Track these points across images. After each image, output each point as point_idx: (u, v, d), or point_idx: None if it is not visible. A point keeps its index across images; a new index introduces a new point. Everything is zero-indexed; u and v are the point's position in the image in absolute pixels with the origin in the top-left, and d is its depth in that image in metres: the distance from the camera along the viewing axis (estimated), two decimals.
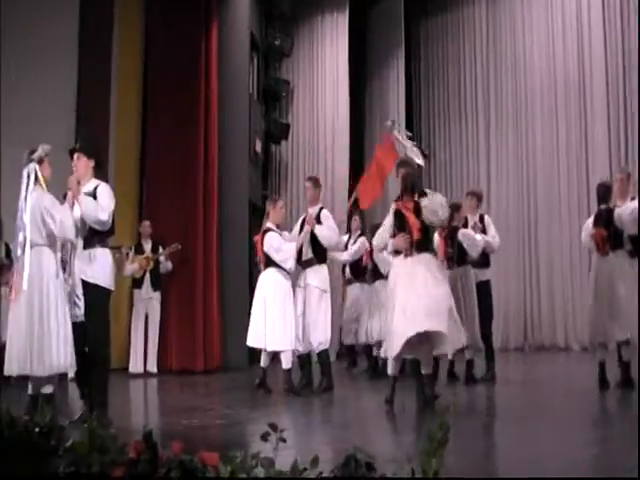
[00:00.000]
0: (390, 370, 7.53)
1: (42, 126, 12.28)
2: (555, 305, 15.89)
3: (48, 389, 6.83)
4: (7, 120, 12.37)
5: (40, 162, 6.94)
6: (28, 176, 6.82)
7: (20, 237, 6.70)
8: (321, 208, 9.60)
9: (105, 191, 7.08)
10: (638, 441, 4.73)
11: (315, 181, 9.91)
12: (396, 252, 7.58)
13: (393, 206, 7.69)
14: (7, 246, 11.17)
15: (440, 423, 2.53)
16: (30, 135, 12.33)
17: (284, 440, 2.98)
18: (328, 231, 9.39)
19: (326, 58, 16.82)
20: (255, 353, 13.59)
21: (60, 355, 6.72)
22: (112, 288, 7.03)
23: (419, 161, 8.24)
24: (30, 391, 6.93)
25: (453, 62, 17.93)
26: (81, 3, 12.92)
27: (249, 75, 14.56)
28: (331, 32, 16.83)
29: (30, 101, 12.48)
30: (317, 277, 9.46)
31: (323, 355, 9.53)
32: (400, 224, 7.50)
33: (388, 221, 7.72)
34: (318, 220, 9.41)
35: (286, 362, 9.22)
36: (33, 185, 6.83)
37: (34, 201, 6.77)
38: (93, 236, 6.98)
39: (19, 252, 6.72)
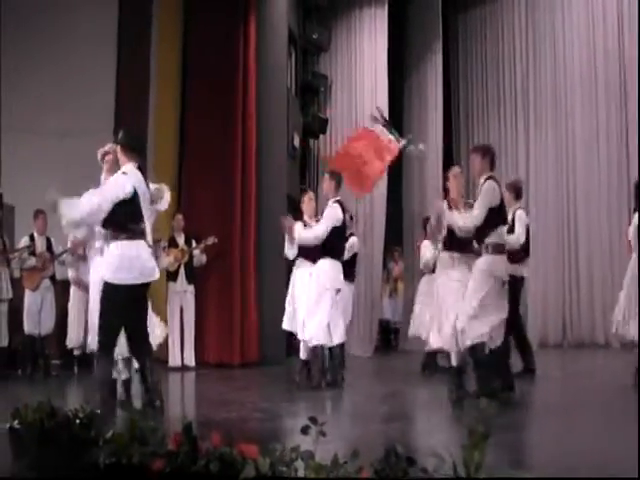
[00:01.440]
0: (455, 361, 7.59)
1: (81, 122, 12.46)
2: (595, 301, 15.74)
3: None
4: (46, 113, 12.52)
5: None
6: None
7: None
8: (335, 201, 9.67)
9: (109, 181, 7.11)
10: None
11: (331, 174, 9.93)
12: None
13: None
14: (48, 240, 11.28)
15: (482, 417, 2.51)
16: (70, 130, 12.63)
17: (324, 434, 2.97)
18: (307, 233, 9.65)
19: (364, 52, 16.74)
20: (292, 346, 13.71)
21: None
22: (118, 282, 6.79)
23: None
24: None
25: (491, 55, 17.80)
26: (120, 2, 13.02)
27: (287, 70, 14.53)
28: (369, 26, 16.74)
29: (69, 98, 12.64)
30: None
31: (337, 349, 9.61)
32: None
33: None
34: None
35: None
36: None
37: None
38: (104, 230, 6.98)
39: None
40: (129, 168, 6.88)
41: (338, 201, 9.62)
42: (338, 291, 9.40)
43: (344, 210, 9.67)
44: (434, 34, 16.79)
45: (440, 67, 16.82)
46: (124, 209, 6.73)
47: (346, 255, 10.95)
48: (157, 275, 7.08)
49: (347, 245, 11.10)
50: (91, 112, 12.74)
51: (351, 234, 11.23)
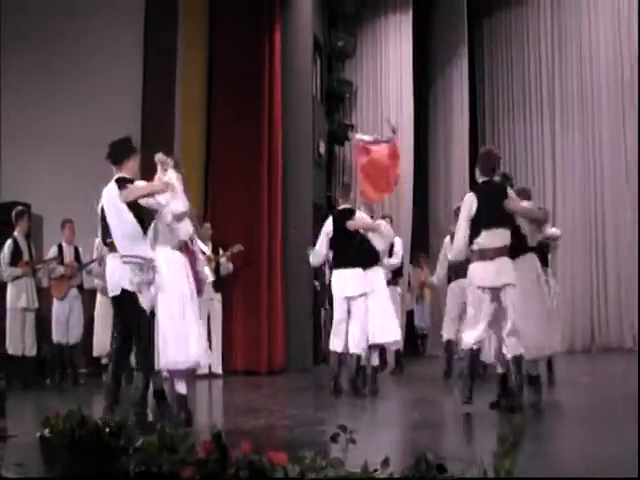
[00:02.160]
0: (500, 369, 7.54)
1: (108, 131, 12.53)
2: (622, 305, 15.65)
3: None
4: (73, 122, 12.63)
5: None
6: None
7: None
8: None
9: None
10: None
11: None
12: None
13: None
14: (76, 249, 11.34)
15: (513, 425, 2.50)
16: (96, 138, 12.71)
17: (354, 441, 2.97)
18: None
19: (389, 58, 16.79)
20: (319, 354, 13.72)
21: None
22: (112, 293, 6.82)
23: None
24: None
25: (517, 59, 17.74)
26: (146, 5, 13.10)
27: (312, 77, 14.61)
28: (394, 32, 16.79)
29: (97, 107, 12.75)
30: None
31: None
32: None
33: None
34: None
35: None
36: None
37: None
38: None
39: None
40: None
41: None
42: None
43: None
44: (459, 39, 16.79)
45: (466, 72, 16.82)
46: None
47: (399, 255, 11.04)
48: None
49: (400, 249, 11.20)
50: (118, 121, 12.81)
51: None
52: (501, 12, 18.02)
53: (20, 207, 11.17)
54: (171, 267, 6.76)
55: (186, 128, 13.24)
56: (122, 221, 6.67)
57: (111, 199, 6.74)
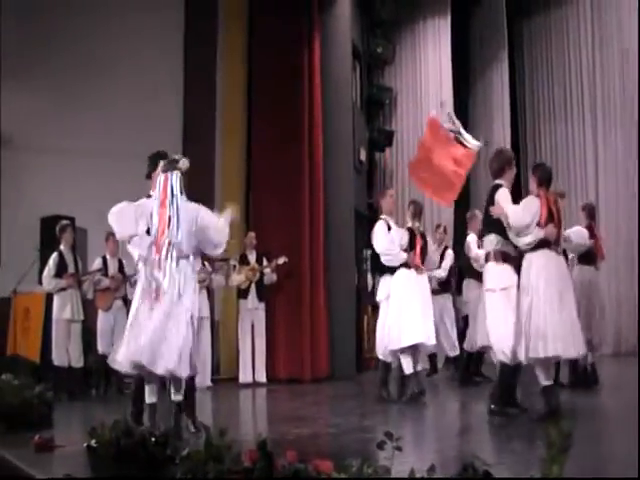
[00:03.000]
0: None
1: (149, 143, 12.66)
2: None
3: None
4: (116, 136, 12.76)
5: (183, 174, 7.02)
6: (172, 185, 6.70)
7: (164, 248, 6.66)
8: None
9: None
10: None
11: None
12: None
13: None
14: (120, 261, 11.45)
15: (561, 430, 2.48)
16: (138, 152, 12.84)
17: (400, 449, 2.96)
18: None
19: (429, 63, 16.76)
20: (362, 362, 13.69)
21: None
22: None
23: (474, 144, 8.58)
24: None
25: (558, 61, 17.54)
26: (186, 16, 13.21)
27: (352, 84, 14.56)
28: (433, 37, 16.76)
29: (137, 118, 12.88)
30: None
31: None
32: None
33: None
34: None
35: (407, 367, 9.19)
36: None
37: (191, 212, 6.74)
38: None
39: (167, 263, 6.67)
40: None
41: None
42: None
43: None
44: (499, 42, 16.69)
45: (506, 75, 16.72)
46: None
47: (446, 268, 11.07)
48: None
49: (449, 261, 11.26)
50: (159, 132, 12.93)
51: (446, 247, 11.97)
52: (540, 14, 17.87)
53: (64, 221, 11.30)
54: None
55: (227, 138, 13.35)
56: None
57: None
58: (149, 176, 7.13)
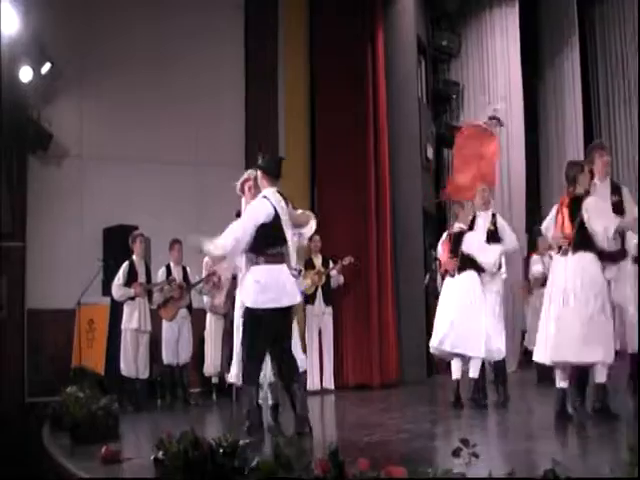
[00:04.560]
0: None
1: (213, 152, 12.83)
2: None
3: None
4: (177, 143, 12.90)
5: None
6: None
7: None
8: (494, 214, 9.59)
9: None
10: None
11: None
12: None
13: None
14: (184, 269, 11.56)
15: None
16: (200, 158, 13.02)
17: (476, 455, 2.95)
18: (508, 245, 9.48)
19: (496, 55, 16.58)
20: (433, 365, 13.61)
21: None
22: (259, 306, 6.89)
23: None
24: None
25: (632, 46, 17.23)
26: (245, 14, 13.36)
27: (417, 79, 14.51)
28: (500, 27, 16.58)
29: (197, 124, 13.01)
30: (496, 282, 9.44)
31: (501, 364, 9.46)
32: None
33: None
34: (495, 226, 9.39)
35: (474, 371, 9.11)
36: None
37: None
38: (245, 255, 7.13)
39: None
40: (269, 192, 7.08)
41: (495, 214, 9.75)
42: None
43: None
44: (570, 28, 16.47)
45: (577, 62, 16.48)
46: (264, 232, 6.90)
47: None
48: (299, 299, 7.19)
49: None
50: (221, 141, 13.09)
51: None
52: None
53: (136, 231, 11.42)
54: None
55: (290, 138, 13.38)
56: None
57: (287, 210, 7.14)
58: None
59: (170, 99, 12.97)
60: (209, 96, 13.18)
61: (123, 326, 10.99)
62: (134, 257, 11.19)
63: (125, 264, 11.08)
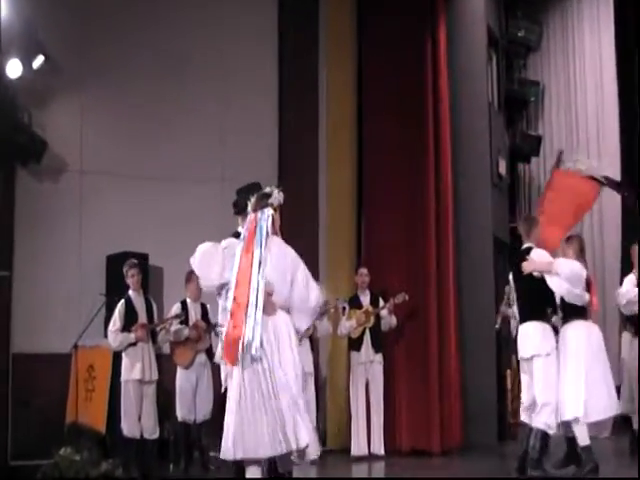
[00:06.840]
0: None
1: (238, 162, 12.82)
2: None
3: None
4: (200, 164, 12.91)
5: (276, 209, 6.96)
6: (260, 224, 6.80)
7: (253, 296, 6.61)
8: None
9: None
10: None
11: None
12: None
13: None
14: (204, 306, 11.46)
15: None
16: (224, 174, 13.02)
17: None
18: None
19: (585, 49, 16.51)
20: (505, 428, 13.41)
21: None
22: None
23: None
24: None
25: None
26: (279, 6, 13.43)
27: (487, 79, 14.41)
28: (591, 16, 16.52)
29: (225, 131, 13.05)
30: None
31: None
32: None
33: None
34: None
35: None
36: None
37: (283, 256, 6.81)
38: None
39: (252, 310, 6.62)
40: None
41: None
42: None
43: None
44: None
45: None
46: None
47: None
48: None
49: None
50: (251, 155, 13.13)
51: None
52: None
53: (132, 259, 11.30)
54: None
55: (332, 154, 13.34)
56: None
57: None
58: (238, 213, 7.16)
59: (192, 105, 13.06)
60: (237, 103, 13.25)
61: (123, 377, 10.86)
62: (130, 292, 11.07)
63: (120, 304, 10.94)
